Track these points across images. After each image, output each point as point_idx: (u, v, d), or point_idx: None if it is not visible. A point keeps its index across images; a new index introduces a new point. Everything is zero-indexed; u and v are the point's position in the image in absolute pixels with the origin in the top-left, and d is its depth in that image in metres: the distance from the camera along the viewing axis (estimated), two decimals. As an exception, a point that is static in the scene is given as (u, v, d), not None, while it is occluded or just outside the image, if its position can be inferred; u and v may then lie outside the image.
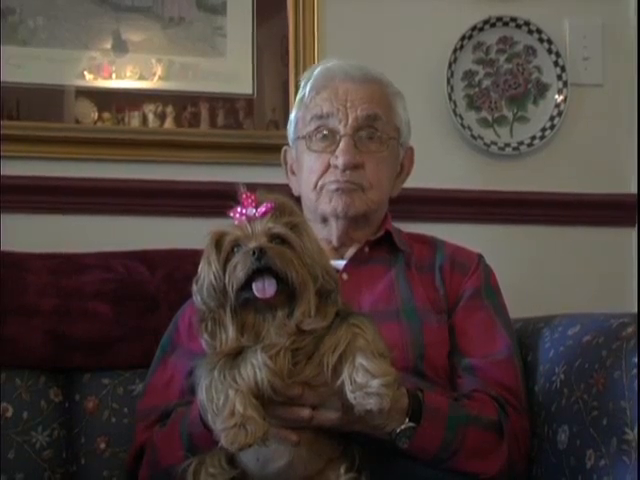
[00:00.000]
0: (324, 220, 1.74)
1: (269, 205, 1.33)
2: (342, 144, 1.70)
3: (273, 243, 1.31)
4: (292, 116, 1.82)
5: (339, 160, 1.70)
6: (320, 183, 1.72)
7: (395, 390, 1.30)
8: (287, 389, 1.31)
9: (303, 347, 1.32)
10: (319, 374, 1.32)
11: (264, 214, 1.32)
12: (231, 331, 1.31)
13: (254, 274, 1.29)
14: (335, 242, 1.75)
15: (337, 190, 1.70)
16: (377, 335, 1.33)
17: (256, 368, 1.28)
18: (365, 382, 1.28)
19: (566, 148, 2.40)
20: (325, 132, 1.73)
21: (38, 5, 2.13)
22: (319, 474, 1.39)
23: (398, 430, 1.43)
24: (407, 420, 1.43)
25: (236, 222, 1.33)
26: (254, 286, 1.29)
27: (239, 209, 1.33)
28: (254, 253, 1.28)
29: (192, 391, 1.46)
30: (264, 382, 1.28)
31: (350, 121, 1.71)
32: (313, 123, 1.74)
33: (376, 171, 1.73)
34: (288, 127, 1.84)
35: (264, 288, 1.29)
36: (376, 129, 1.73)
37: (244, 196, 1.33)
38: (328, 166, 1.72)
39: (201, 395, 1.32)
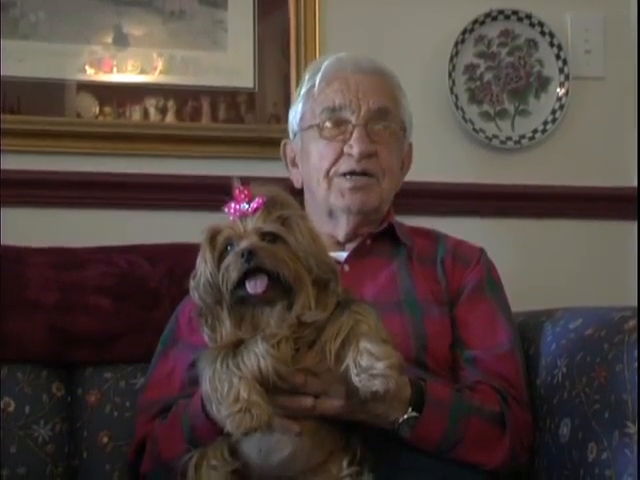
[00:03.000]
0: (331, 214, 1.74)
1: (260, 201, 1.32)
2: (356, 133, 1.70)
3: (264, 241, 1.31)
4: (297, 108, 1.80)
5: (354, 149, 1.70)
6: (332, 171, 1.72)
7: (399, 374, 1.30)
8: (291, 376, 1.32)
9: (304, 336, 1.32)
10: (321, 361, 1.33)
11: (256, 210, 1.32)
12: (228, 326, 1.32)
13: (246, 274, 1.29)
14: (342, 238, 1.75)
15: (352, 189, 1.70)
16: (379, 322, 1.34)
17: (259, 356, 1.29)
18: (370, 364, 1.28)
19: (567, 141, 2.40)
20: (336, 122, 1.72)
21: (39, -1, 2.13)
22: (321, 467, 1.40)
23: (401, 420, 1.43)
24: (410, 409, 1.43)
25: (230, 218, 1.33)
26: (247, 284, 1.30)
27: (233, 205, 1.34)
28: (243, 255, 1.29)
29: (193, 384, 1.46)
30: (268, 369, 1.29)
31: (362, 112, 1.71)
32: (324, 115, 1.73)
33: (389, 159, 1.73)
34: (291, 120, 1.82)
35: (256, 286, 1.30)
36: (386, 121, 1.74)
37: (237, 191, 1.34)
38: (340, 154, 1.71)
39: (204, 386, 1.32)
